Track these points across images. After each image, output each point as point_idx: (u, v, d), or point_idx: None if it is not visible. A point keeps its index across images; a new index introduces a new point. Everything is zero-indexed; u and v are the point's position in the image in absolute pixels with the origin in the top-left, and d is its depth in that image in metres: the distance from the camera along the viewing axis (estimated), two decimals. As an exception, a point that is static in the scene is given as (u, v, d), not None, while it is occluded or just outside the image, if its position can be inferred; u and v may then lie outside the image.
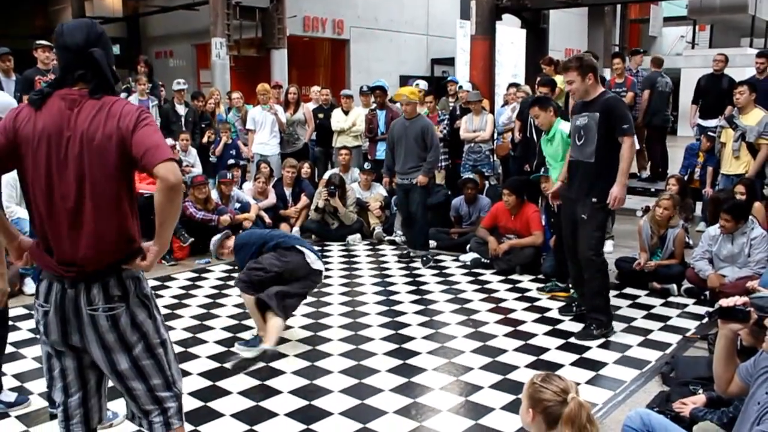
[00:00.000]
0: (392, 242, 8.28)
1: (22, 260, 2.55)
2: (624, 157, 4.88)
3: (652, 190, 9.85)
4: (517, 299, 6.01)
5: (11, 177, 6.20)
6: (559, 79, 8.77)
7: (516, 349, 4.80)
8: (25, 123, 2.42)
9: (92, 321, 2.43)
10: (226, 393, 4.09)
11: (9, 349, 4.63)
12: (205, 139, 9.48)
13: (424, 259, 7.26)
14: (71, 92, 2.41)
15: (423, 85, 9.56)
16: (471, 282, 6.58)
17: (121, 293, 2.46)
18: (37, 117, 2.40)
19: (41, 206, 2.41)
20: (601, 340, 4.95)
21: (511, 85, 10.04)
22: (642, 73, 10.69)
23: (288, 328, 5.06)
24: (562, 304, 5.76)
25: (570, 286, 6.07)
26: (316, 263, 4.89)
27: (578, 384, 4.05)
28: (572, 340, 5.00)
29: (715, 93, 9.42)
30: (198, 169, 8.73)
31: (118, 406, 3.54)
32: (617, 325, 5.22)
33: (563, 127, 6.20)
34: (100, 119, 2.35)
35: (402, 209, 7.53)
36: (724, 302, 2.66)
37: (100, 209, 2.38)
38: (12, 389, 4.07)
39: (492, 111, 9.63)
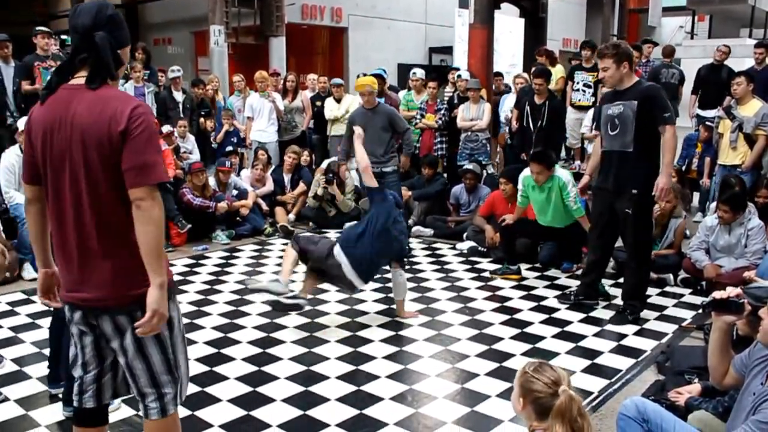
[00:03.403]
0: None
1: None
2: (668, 147, 4.80)
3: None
4: (513, 287, 6.02)
5: (9, 163, 6.21)
6: (556, 69, 8.79)
7: (512, 337, 4.83)
8: (32, 122, 2.40)
9: None
10: (223, 378, 4.12)
11: (8, 333, 4.66)
12: (210, 126, 9.43)
13: None
14: (74, 84, 2.36)
15: (420, 73, 9.54)
16: (467, 270, 6.59)
17: None
18: (41, 113, 2.37)
19: (51, 207, 2.42)
20: (597, 329, 4.98)
21: (496, 74, 10.02)
22: (651, 64, 10.63)
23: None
24: (558, 292, 5.78)
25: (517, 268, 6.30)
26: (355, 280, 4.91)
27: (573, 373, 4.10)
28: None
29: (714, 83, 9.42)
30: (196, 156, 8.72)
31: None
32: (611, 314, 5.25)
33: (562, 173, 6.12)
34: (95, 113, 2.29)
35: None
36: (718, 294, 2.67)
37: (100, 215, 2.36)
38: (10, 374, 4.10)
39: (489, 100, 9.62)
